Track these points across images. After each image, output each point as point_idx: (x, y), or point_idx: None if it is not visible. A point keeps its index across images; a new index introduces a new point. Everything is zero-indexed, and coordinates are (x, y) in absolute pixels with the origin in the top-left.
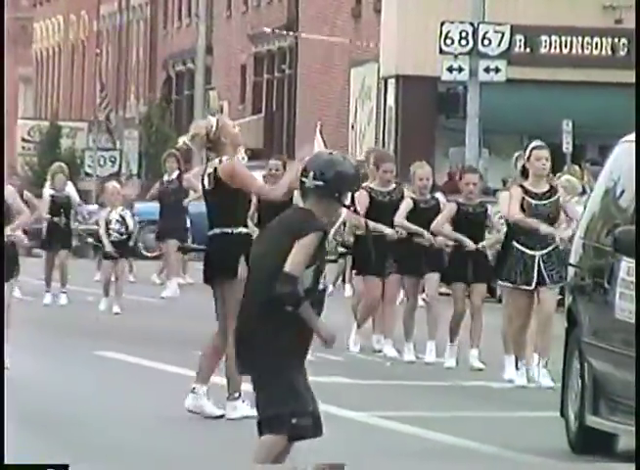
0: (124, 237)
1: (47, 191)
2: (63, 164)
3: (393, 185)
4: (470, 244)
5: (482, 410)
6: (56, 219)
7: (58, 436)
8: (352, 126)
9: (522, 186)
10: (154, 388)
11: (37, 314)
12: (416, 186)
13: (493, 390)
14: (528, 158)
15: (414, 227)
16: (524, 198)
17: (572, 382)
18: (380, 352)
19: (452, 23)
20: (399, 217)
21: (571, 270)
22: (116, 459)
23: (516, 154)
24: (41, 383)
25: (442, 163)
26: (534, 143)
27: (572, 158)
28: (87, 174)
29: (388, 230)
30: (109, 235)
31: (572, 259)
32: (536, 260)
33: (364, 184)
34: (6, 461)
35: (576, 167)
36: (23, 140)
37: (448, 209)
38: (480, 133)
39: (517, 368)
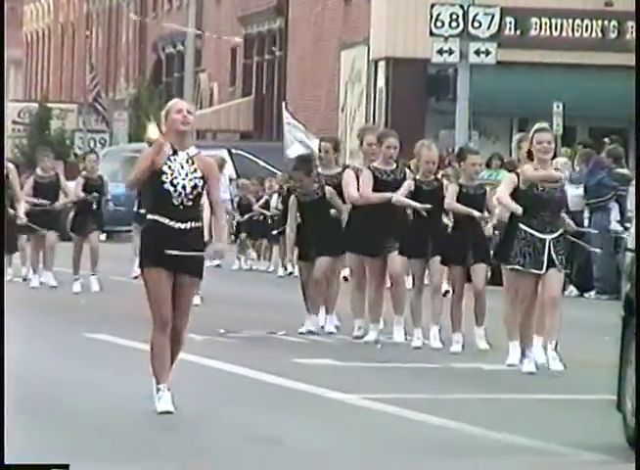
0: None
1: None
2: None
3: (395, 164)
4: (477, 214)
5: (473, 392)
6: (88, 199)
7: (57, 431)
8: (342, 109)
9: (527, 168)
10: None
11: (24, 296)
12: (421, 168)
13: (484, 372)
14: (531, 141)
15: (412, 202)
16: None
17: (629, 374)
18: (360, 338)
19: (442, 5)
20: (397, 195)
21: (628, 256)
22: (116, 455)
23: (517, 136)
24: (34, 370)
25: None
26: (537, 125)
27: (563, 140)
28: (76, 156)
29: (390, 195)
30: None
31: (630, 244)
32: (547, 244)
33: (366, 164)
34: (6, 461)
35: (562, 150)
36: (14, 122)
37: (452, 189)
38: (470, 116)
39: (525, 355)
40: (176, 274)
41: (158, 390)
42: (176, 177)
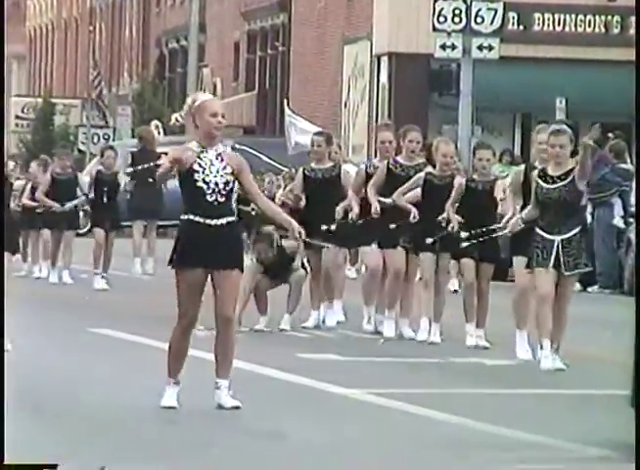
0: None
1: (93, 168)
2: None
3: (420, 160)
4: (454, 223)
5: (476, 387)
6: (101, 199)
7: (56, 429)
8: (345, 104)
9: (541, 169)
10: (155, 369)
11: (26, 291)
12: (438, 162)
13: (487, 367)
14: (548, 138)
15: (404, 204)
16: (537, 182)
17: None
18: (370, 332)
19: (445, 0)
20: (397, 193)
21: None
22: (117, 452)
23: (539, 126)
24: (35, 364)
25: None
26: (553, 127)
27: None
28: (80, 151)
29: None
30: None
31: None
32: (555, 245)
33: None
34: (6, 460)
35: None
36: (17, 117)
37: (457, 186)
38: (473, 111)
39: (541, 348)
40: (213, 270)
41: (168, 384)
42: (208, 174)
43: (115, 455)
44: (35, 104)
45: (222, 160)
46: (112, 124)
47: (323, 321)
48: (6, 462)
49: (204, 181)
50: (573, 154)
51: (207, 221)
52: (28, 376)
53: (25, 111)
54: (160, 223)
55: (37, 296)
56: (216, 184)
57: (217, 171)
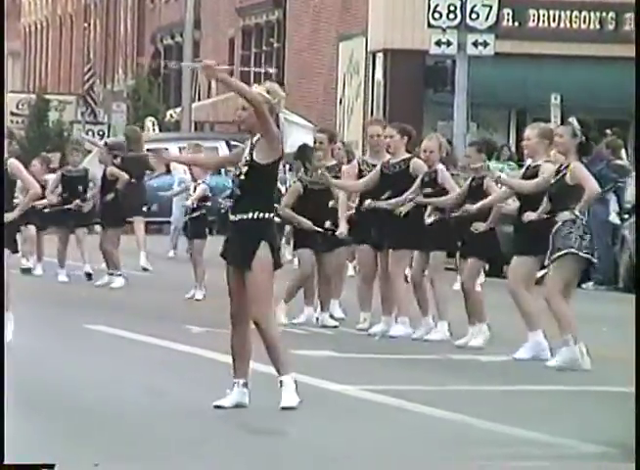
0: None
1: (97, 173)
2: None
3: (403, 156)
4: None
5: (473, 384)
6: (107, 197)
7: (53, 428)
8: (340, 101)
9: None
10: (152, 366)
11: (24, 288)
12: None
13: (483, 364)
14: None
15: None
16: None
17: None
18: (364, 330)
19: None
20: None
21: None
22: (115, 450)
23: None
24: (33, 361)
25: None
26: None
27: None
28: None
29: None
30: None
31: None
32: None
33: (372, 156)
34: (5, 461)
35: None
36: (12, 114)
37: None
38: (469, 107)
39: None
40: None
41: (233, 384)
42: (237, 168)
43: (113, 453)
44: (30, 100)
45: (252, 149)
46: (105, 121)
47: (316, 319)
48: (5, 462)
49: (233, 174)
50: (580, 148)
51: (230, 216)
52: (26, 374)
53: (20, 107)
54: (153, 220)
55: (33, 293)
56: (237, 176)
57: (242, 165)
